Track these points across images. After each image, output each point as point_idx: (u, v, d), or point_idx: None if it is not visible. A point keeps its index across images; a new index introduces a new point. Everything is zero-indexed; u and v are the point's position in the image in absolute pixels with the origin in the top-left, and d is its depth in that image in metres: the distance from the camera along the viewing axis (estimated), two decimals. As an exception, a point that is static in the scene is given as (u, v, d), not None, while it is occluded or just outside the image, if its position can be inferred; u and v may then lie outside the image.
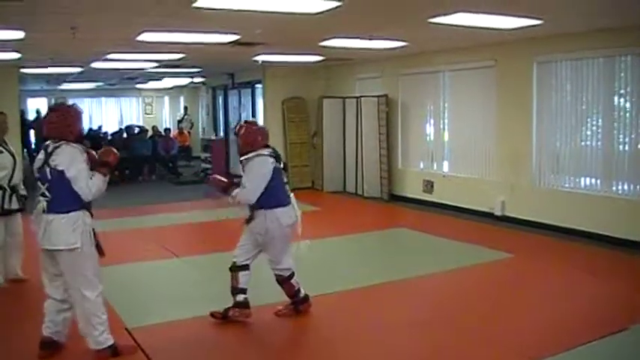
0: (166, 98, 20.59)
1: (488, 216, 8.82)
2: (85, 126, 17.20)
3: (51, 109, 4.17)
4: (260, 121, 13.27)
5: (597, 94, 7.43)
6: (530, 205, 8.27)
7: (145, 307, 5.18)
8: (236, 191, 4.58)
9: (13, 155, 5.52)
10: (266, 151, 4.63)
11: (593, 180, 7.60)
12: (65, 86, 16.34)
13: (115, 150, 4.21)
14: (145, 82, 16.65)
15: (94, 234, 4.00)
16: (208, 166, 14.56)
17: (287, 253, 4.73)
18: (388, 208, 10.34)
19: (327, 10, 5.51)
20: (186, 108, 19.51)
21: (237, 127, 4.84)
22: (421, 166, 10.49)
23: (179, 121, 19.20)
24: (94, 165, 3.99)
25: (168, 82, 16.77)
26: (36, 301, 4.28)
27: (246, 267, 4.67)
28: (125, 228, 8.45)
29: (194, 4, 5.13)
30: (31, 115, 17.49)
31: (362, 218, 9.60)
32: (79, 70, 11.29)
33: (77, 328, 4.01)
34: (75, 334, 4.06)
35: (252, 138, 4.67)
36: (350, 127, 11.65)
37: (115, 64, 10.40)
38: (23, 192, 5.67)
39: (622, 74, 7.17)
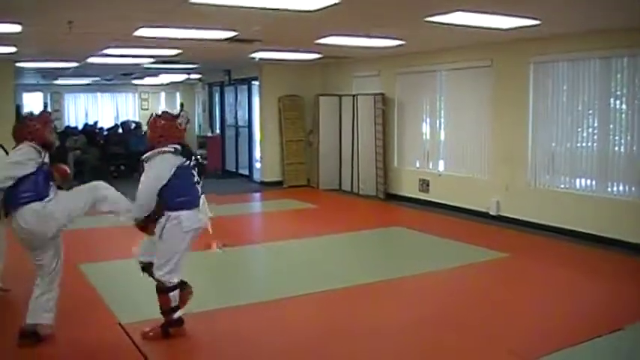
0: (162, 94, 20.50)
1: (483, 215, 8.83)
2: (81, 121, 17.40)
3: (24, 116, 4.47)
4: (256, 118, 13.30)
5: (593, 95, 7.44)
6: (525, 205, 8.29)
7: (138, 302, 5.15)
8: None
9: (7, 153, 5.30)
10: (170, 148, 4.14)
11: (588, 181, 7.62)
12: (61, 81, 16.27)
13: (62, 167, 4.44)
14: (142, 78, 16.58)
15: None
16: (204, 162, 14.53)
17: (175, 261, 4.23)
18: (384, 207, 10.35)
19: (325, 8, 5.50)
20: (182, 104, 19.43)
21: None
22: (417, 164, 10.50)
23: (175, 117, 19.12)
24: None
25: (164, 78, 16.71)
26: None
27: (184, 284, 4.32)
28: (119, 223, 8.41)
29: (191, 0, 5.11)
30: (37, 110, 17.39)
31: (357, 216, 9.61)
32: (75, 64, 11.24)
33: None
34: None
35: (154, 135, 4.26)
36: (346, 125, 11.65)
37: (111, 60, 10.36)
38: None
39: (618, 75, 7.18)
